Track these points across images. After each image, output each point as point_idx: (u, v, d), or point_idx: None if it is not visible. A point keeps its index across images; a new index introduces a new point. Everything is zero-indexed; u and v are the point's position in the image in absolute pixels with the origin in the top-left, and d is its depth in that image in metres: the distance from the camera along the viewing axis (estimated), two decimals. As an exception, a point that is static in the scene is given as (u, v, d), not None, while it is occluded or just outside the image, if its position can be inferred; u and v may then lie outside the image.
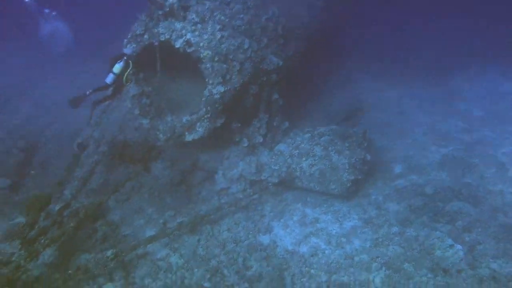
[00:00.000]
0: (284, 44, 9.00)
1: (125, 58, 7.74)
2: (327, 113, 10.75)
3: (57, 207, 7.50)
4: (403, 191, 8.25)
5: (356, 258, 6.59)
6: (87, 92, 7.82)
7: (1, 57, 15.73)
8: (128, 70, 7.72)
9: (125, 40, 8.30)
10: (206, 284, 6.37)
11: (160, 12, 7.59)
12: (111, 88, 7.95)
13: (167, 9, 7.56)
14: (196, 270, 6.62)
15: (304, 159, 8.32)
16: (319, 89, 12.15)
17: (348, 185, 7.95)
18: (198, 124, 8.04)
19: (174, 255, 6.97)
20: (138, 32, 7.99)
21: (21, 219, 7.55)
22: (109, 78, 7.75)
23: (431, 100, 12.39)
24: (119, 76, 7.72)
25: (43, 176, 9.21)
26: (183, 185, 8.69)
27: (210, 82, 7.76)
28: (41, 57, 16.03)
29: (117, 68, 7.68)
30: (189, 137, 8.20)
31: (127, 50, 7.95)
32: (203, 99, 7.87)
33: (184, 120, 8.14)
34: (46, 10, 15.80)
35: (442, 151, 9.53)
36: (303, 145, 8.53)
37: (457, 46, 16.00)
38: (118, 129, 9.60)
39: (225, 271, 6.58)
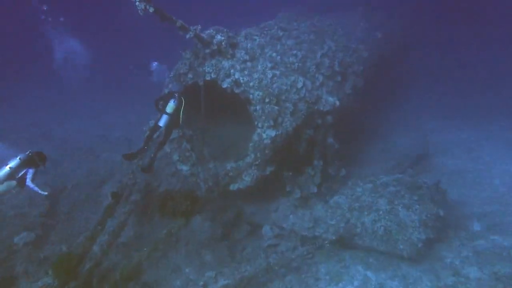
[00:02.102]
0: (341, 81, 8.15)
1: (176, 95, 7.14)
2: (389, 158, 9.59)
3: (86, 266, 6.68)
4: (484, 254, 7.02)
5: None
6: (145, 147, 7.28)
7: (18, 93, 15.33)
8: (183, 106, 7.10)
9: (167, 79, 7.67)
10: None
11: (207, 51, 6.90)
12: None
13: (215, 47, 6.88)
14: None
15: (366, 213, 7.33)
16: (379, 130, 11.02)
17: (419, 245, 6.85)
18: (245, 172, 7.18)
19: (218, 327, 5.98)
20: (182, 71, 7.37)
21: (47, 280, 6.73)
22: (163, 121, 7.15)
23: (512, 145, 10.73)
24: (173, 115, 7.10)
25: (68, 228, 8.50)
26: (225, 240, 7.77)
27: (260, 125, 7.01)
28: (58, 89, 15.55)
29: (170, 107, 7.08)
30: (234, 187, 7.38)
31: (175, 87, 7.35)
32: (251, 144, 7.10)
33: (228, 167, 7.31)
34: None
35: (530, 208, 8.19)
36: (364, 197, 7.56)
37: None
38: (152, 175, 8.81)
39: None
